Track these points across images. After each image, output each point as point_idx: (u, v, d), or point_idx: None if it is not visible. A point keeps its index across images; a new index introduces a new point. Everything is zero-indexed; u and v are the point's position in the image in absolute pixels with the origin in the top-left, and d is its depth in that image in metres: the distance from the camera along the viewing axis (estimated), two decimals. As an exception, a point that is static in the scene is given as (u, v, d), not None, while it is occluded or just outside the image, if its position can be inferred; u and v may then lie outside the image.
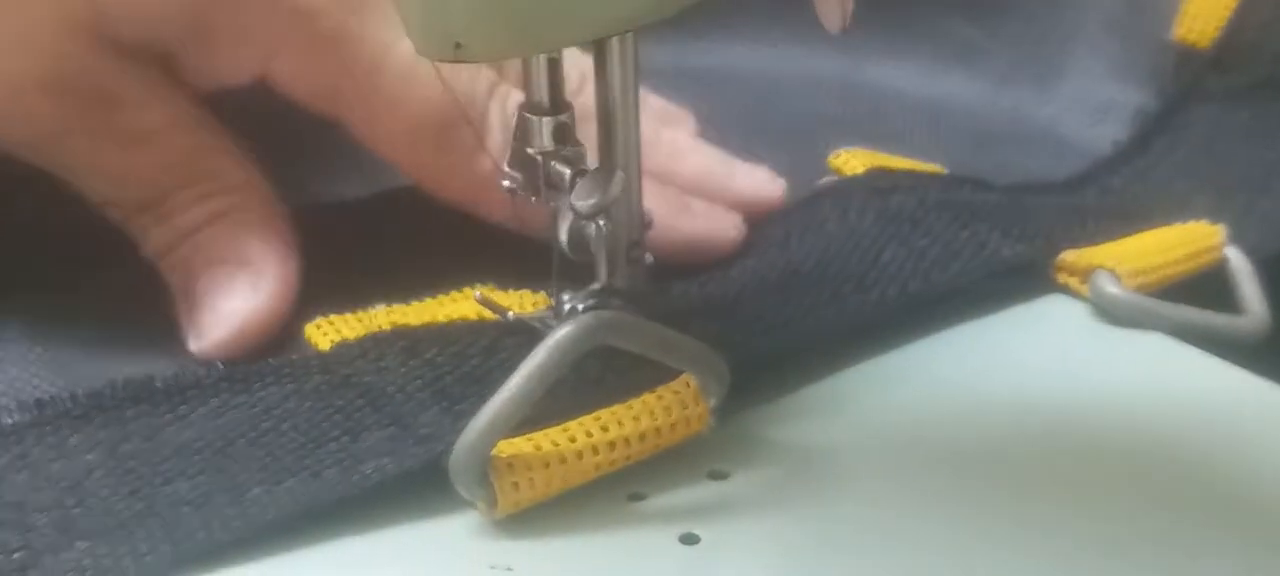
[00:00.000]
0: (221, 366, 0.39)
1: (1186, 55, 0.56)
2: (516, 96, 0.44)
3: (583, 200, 0.37)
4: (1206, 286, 0.46)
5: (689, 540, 0.35)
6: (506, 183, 0.38)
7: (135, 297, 0.44)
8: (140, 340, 0.43)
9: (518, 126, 0.38)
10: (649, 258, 0.39)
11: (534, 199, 0.38)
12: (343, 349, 0.40)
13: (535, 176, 0.38)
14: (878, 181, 0.47)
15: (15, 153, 0.42)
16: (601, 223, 0.37)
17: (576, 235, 0.38)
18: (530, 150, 0.38)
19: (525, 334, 0.39)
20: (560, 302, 0.39)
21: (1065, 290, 0.45)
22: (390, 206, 0.49)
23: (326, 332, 0.41)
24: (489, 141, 0.42)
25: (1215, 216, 0.48)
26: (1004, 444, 0.38)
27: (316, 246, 0.44)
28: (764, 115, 0.58)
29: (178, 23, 0.41)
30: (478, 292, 0.41)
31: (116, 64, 0.41)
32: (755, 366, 0.39)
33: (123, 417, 0.37)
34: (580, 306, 0.38)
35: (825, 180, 0.49)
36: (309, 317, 0.42)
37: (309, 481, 0.35)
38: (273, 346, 0.42)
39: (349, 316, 0.42)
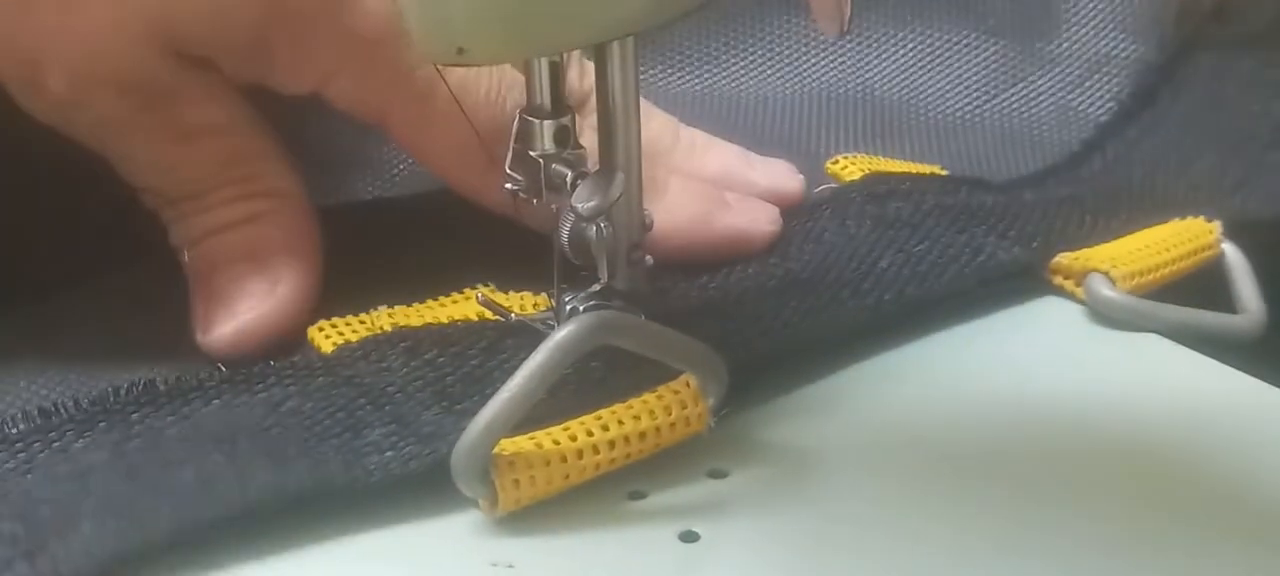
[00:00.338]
0: (223, 369, 0.39)
1: (1187, 6, 0.56)
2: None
3: (583, 202, 0.37)
4: (1205, 283, 0.46)
5: (688, 538, 0.35)
6: (508, 185, 0.39)
7: (140, 302, 0.44)
8: (145, 344, 0.43)
9: (519, 129, 0.38)
10: (649, 259, 0.39)
11: (536, 201, 0.38)
12: (345, 350, 0.40)
13: (536, 178, 0.38)
14: (875, 187, 0.48)
15: (79, 137, 0.43)
16: (602, 224, 0.38)
17: (577, 237, 0.38)
18: (532, 153, 0.38)
19: (526, 334, 0.39)
20: (561, 304, 0.39)
21: (1061, 292, 0.45)
22: (392, 208, 0.49)
23: (329, 335, 0.41)
24: None
25: (1223, 172, 0.48)
26: (1000, 444, 0.39)
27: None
28: (756, 130, 0.59)
29: (242, 43, 0.42)
30: (479, 294, 0.41)
31: (181, 67, 0.42)
32: (754, 367, 0.39)
33: (127, 420, 0.37)
34: (581, 307, 0.39)
35: (822, 188, 0.49)
36: (312, 320, 0.42)
37: (313, 469, 0.35)
38: (276, 348, 0.42)
39: (351, 319, 0.42)
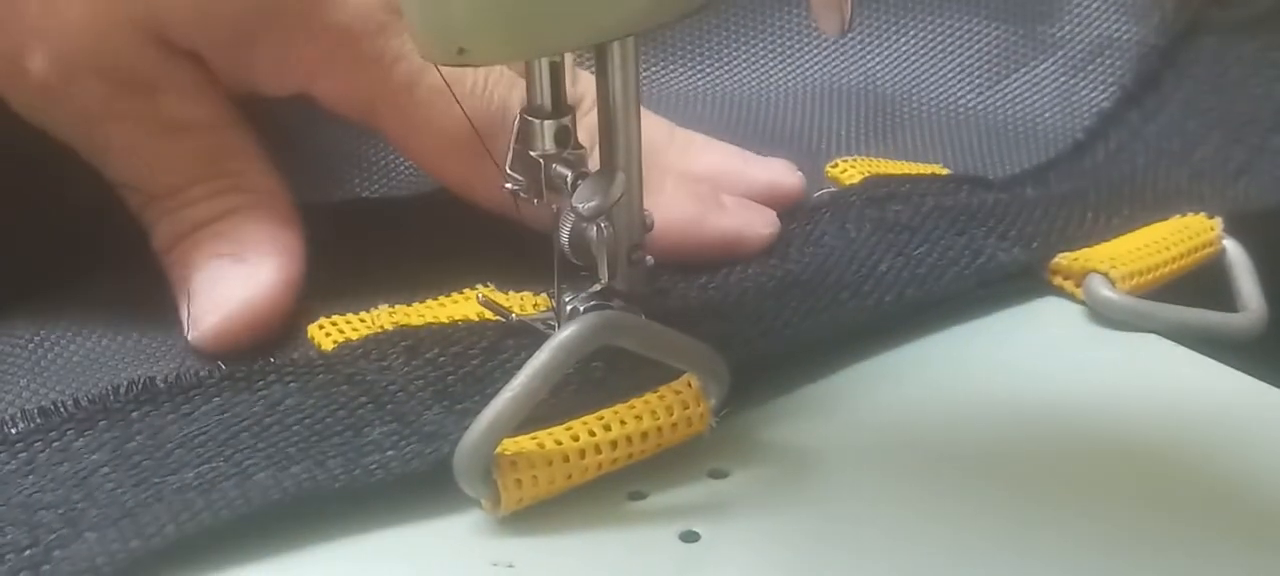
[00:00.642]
0: (223, 366, 0.39)
1: None
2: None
3: (584, 203, 0.37)
4: (1207, 281, 0.46)
5: (689, 537, 0.35)
6: (509, 185, 0.39)
7: (139, 303, 0.44)
8: (145, 344, 0.43)
9: (519, 129, 0.39)
10: (649, 260, 0.39)
11: (536, 201, 0.39)
12: (345, 348, 0.40)
13: (537, 179, 0.38)
14: (874, 190, 0.48)
15: (57, 131, 0.43)
16: (603, 225, 0.38)
17: (577, 237, 0.38)
18: (532, 153, 0.38)
19: (527, 335, 0.39)
20: (561, 304, 0.39)
21: (1061, 293, 0.45)
22: (392, 208, 0.49)
23: (329, 333, 0.41)
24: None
25: (1226, 158, 0.48)
26: (1000, 444, 0.39)
27: (319, 247, 0.44)
28: (759, 126, 0.59)
29: (226, 39, 0.42)
30: (480, 294, 0.42)
31: (165, 58, 0.42)
32: (754, 367, 0.39)
33: (127, 419, 0.37)
34: (581, 308, 0.39)
35: (822, 192, 0.49)
36: (312, 318, 0.42)
37: (313, 469, 0.35)
38: (275, 346, 0.42)
39: (351, 317, 0.42)
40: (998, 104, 0.59)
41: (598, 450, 0.36)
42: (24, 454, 0.36)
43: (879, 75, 0.61)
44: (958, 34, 0.61)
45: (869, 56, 0.62)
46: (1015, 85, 0.59)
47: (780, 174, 0.50)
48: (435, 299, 0.43)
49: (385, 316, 0.42)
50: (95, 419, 0.37)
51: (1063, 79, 0.59)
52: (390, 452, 0.36)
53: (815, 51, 0.62)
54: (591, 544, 0.35)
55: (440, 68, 0.40)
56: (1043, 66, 0.60)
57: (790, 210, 0.48)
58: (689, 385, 0.37)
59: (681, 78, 0.62)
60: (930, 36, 0.61)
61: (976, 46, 0.61)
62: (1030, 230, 0.46)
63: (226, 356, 0.41)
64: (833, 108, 0.60)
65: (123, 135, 0.43)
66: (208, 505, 0.34)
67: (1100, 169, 0.52)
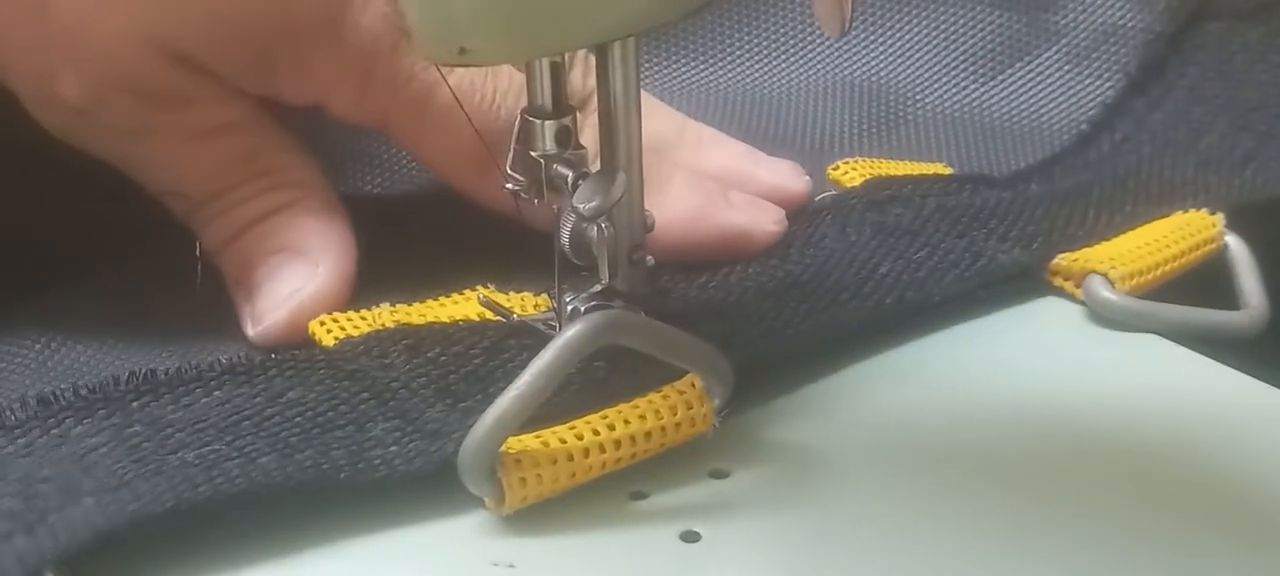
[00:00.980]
0: (224, 360, 0.39)
1: None
2: None
3: (585, 203, 0.37)
4: (1210, 279, 0.46)
5: (689, 537, 0.35)
6: (509, 185, 0.39)
7: (147, 305, 0.45)
8: (152, 348, 0.43)
9: (520, 129, 0.39)
10: (650, 260, 0.39)
11: (537, 201, 0.39)
12: (347, 345, 0.40)
13: (537, 179, 0.39)
14: (876, 193, 0.48)
15: (93, 149, 0.44)
16: (603, 225, 0.38)
17: (578, 237, 0.38)
18: (533, 153, 0.38)
19: (528, 335, 0.39)
20: (562, 304, 0.39)
21: (1062, 292, 0.45)
22: (394, 207, 0.49)
23: (331, 330, 0.41)
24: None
25: (1232, 146, 0.48)
26: (1001, 444, 0.39)
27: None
28: (760, 126, 0.59)
29: (243, 59, 0.43)
30: (481, 294, 0.42)
31: (190, 73, 0.43)
32: (755, 368, 0.39)
33: (127, 408, 0.37)
34: (582, 308, 0.39)
35: (824, 195, 0.49)
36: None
37: (317, 458, 0.35)
38: (273, 347, 0.42)
39: (353, 315, 0.42)
40: (1001, 95, 0.59)
41: (602, 449, 0.36)
42: (22, 439, 0.36)
43: (882, 67, 0.61)
44: (961, 24, 0.61)
45: (872, 48, 0.62)
46: (1018, 75, 0.59)
47: (787, 176, 0.50)
48: (436, 299, 0.43)
49: (386, 315, 0.42)
50: (94, 407, 0.37)
51: (1066, 67, 0.59)
52: (393, 448, 0.36)
53: (818, 44, 0.62)
54: (592, 543, 0.35)
55: (449, 81, 0.42)
56: (1046, 55, 0.60)
57: (793, 212, 0.48)
58: (692, 385, 0.37)
59: (685, 73, 0.62)
60: (933, 26, 0.61)
61: (979, 36, 0.61)
62: (1031, 230, 0.46)
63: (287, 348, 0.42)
64: (836, 101, 0.60)
65: (160, 148, 0.44)
66: (209, 481, 0.34)
67: (1105, 161, 0.52)
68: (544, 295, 0.42)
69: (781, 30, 0.62)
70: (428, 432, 0.37)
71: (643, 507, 0.36)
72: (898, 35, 0.62)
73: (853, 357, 0.42)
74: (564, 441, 0.36)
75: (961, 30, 0.61)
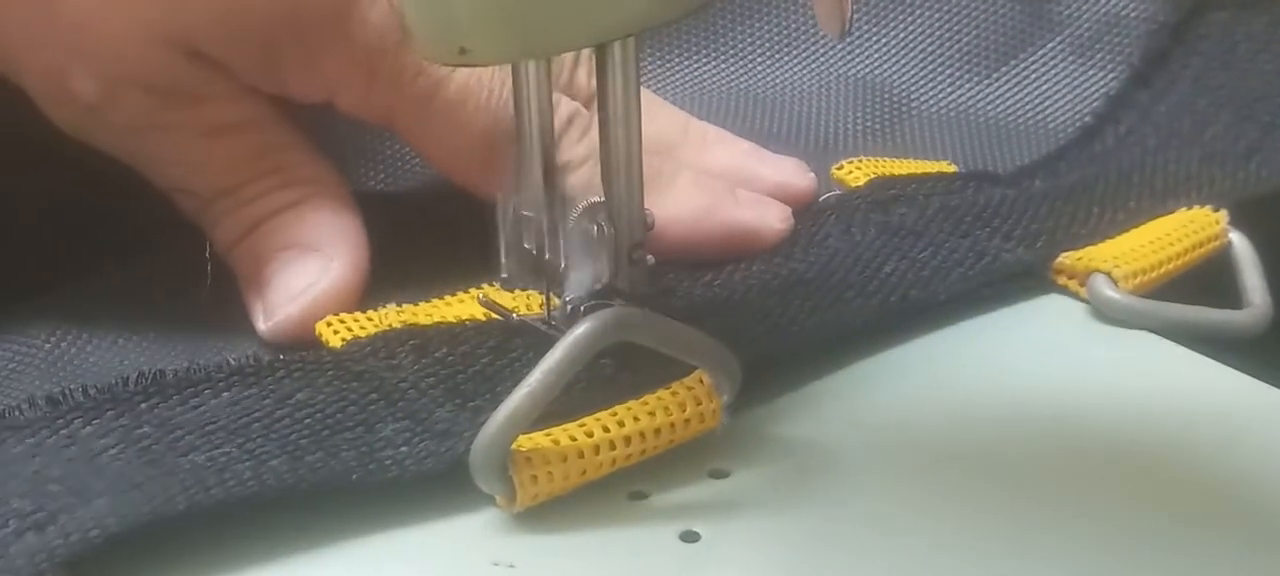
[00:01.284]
0: (232, 361, 0.39)
1: None
2: (567, 106, 0.45)
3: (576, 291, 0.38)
4: (1214, 278, 0.46)
5: (689, 537, 0.35)
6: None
7: (156, 303, 0.45)
8: (162, 346, 0.44)
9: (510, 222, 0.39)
10: (650, 259, 0.39)
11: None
12: (355, 346, 0.40)
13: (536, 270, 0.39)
14: (880, 193, 0.48)
15: (103, 145, 0.44)
16: (603, 223, 0.38)
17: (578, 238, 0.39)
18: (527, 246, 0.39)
19: (533, 334, 0.39)
20: (564, 303, 0.39)
21: (1064, 291, 0.45)
22: (399, 207, 0.50)
23: (337, 331, 0.41)
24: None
25: (1237, 137, 0.48)
26: (1002, 443, 0.38)
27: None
28: (764, 123, 0.59)
29: (253, 54, 0.43)
30: (481, 295, 0.42)
31: (201, 69, 0.43)
32: (758, 366, 0.39)
33: (135, 409, 0.37)
34: (582, 307, 0.39)
35: (829, 194, 0.49)
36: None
37: (328, 459, 0.35)
38: (284, 343, 0.42)
39: (360, 315, 0.42)
40: (1004, 87, 0.59)
41: (612, 446, 0.36)
42: (31, 439, 0.36)
43: (885, 61, 0.61)
44: (963, 16, 0.61)
45: (874, 42, 0.62)
46: (1021, 66, 0.59)
47: (792, 174, 0.50)
48: (442, 298, 0.43)
49: (393, 316, 0.42)
50: (103, 408, 0.37)
51: (1070, 58, 0.59)
52: (403, 449, 0.36)
53: (819, 41, 0.62)
54: (592, 543, 0.35)
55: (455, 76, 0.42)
56: (1049, 45, 0.60)
57: (798, 211, 0.48)
58: (701, 381, 0.37)
59: (688, 71, 0.62)
60: (936, 19, 0.61)
61: (982, 28, 0.61)
62: (1035, 228, 0.46)
63: (294, 347, 0.42)
64: (839, 98, 0.59)
65: (170, 144, 0.44)
66: (220, 482, 0.34)
67: (1110, 154, 0.51)
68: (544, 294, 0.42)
69: (782, 28, 0.62)
70: (437, 432, 0.37)
71: (643, 507, 0.36)
72: (900, 29, 0.61)
73: (852, 357, 0.42)
74: (574, 439, 0.36)
75: (964, 22, 0.61)
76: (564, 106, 0.44)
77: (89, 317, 0.44)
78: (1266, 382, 0.41)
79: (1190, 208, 0.47)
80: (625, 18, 0.35)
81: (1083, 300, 0.44)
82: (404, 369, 0.39)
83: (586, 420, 0.36)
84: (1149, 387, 0.41)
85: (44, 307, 0.45)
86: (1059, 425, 0.39)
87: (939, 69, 0.60)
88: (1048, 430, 0.39)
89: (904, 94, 0.59)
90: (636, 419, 0.37)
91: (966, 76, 0.60)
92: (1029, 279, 0.45)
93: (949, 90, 0.60)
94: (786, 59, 0.61)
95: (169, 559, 0.34)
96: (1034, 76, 0.59)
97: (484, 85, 0.44)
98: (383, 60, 0.43)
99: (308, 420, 0.37)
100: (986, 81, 0.59)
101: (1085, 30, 0.60)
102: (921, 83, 0.60)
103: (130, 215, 0.46)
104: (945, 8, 0.61)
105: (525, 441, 0.35)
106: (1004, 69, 0.60)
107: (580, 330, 0.35)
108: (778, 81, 0.61)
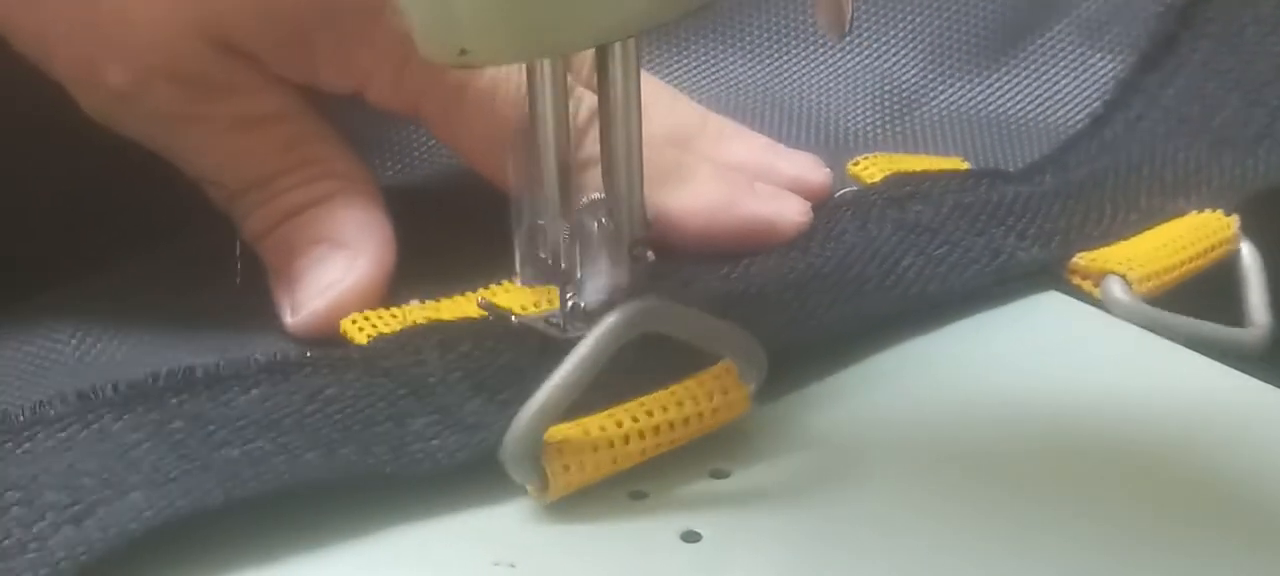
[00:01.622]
0: (260, 358, 0.39)
1: None
2: (590, 99, 0.45)
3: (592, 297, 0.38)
4: (1213, 274, 0.46)
5: (690, 537, 0.35)
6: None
7: (178, 288, 0.45)
8: (184, 333, 0.44)
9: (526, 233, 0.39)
10: (650, 255, 0.40)
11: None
12: (381, 342, 0.40)
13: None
14: (896, 190, 0.48)
15: (134, 134, 0.45)
16: (603, 220, 0.38)
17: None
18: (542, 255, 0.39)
19: (539, 335, 0.40)
20: (564, 301, 0.39)
21: (1065, 289, 0.45)
22: (419, 202, 0.50)
23: (362, 328, 0.42)
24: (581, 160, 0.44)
25: (1246, 121, 0.47)
26: (1002, 444, 0.38)
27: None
28: (772, 126, 0.59)
29: (285, 44, 0.44)
30: (481, 299, 0.42)
31: (230, 59, 0.43)
32: (779, 357, 0.39)
33: (165, 404, 0.37)
34: (583, 304, 0.39)
35: (845, 190, 0.49)
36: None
37: (362, 454, 0.36)
38: (312, 342, 0.43)
39: (382, 312, 0.42)
40: (1012, 77, 0.59)
41: (641, 436, 0.36)
42: (62, 433, 0.36)
43: (891, 53, 0.61)
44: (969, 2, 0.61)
45: (879, 34, 0.62)
46: (1029, 52, 0.59)
47: (808, 168, 0.50)
48: (462, 294, 0.43)
49: (416, 312, 0.42)
50: (133, 403, 0.37)
51: (1077, 42, 0.59)
52: (434, 442, 0.36)
53: (823, 36, 0.62)
54: (593, 543, 0.35)
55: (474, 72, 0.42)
56: (1056, 29, 0.60)
57: (814, 206, 0.48)
58: (727, 371, 0.38)
59: (692, 69, 0.62)
60: (941, 8, 0.61)
61: (988, 14, 0.61)
62: (1048, 227, 0.46)
63: (319, 341, 0.42)
64: (846, 93, 0.59)
65: (201, 135, 0.44)
66: (256, 476, 0.34)
67: (1120, 142, 0.51)
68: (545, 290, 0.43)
69: (783, 26, 0.62)
70: (467, 426, 0.37)
71: (643, 507, 0.36)
72: (906, 18, 0.61)
73: (855, 355, 0.41)
74: (604, 429, 0.36)
75: (971, 8, 0.61)
76: (588, 102, 0.44)
77: (115, 310, 0.44)
78: (1266, 383, 0.40)
79: (1201, 210, 0.47)
80: (626, 18, 0.35)
81: (1083, 299, 0.44)
82: (430, 364, 0.39)
83: (615, 410, 0.37)
84: (1149, 387, 0.41)
85: (69, 299, 0.45)
86: (1059, 425, 0.39)
87: (946, 56, 0.60)
88: (1048, 430, 0.39)
89: (913, 84, 0.59)
90: (665, 409, 0.37)
91: (973, 64, 0.60)
92: (1044, 277, 0.45)
93: (957, 78, 0.60)
94: (788, 59, 0.61)
95: (170, 558, 0.34)
96: (1042, 61, 0.59)
97: (514, 77, 0.44)
98: (412, 53, 0.43)
99: (338, 415, 0.37)
100: (995, 68, 0.59)
101: (1092, 13, 0.59)
102: (929, 71, 0.60)
103: (155, 203, 0.47)
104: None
105: (556, 432, 0.35)
106: (1011, 55, 0.59)
107: (610, 321, 0.35)
108: (781, 81, 0.61)
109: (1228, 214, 0.46)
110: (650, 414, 0.37)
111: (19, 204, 0.48)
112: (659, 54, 0.58)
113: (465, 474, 0.36)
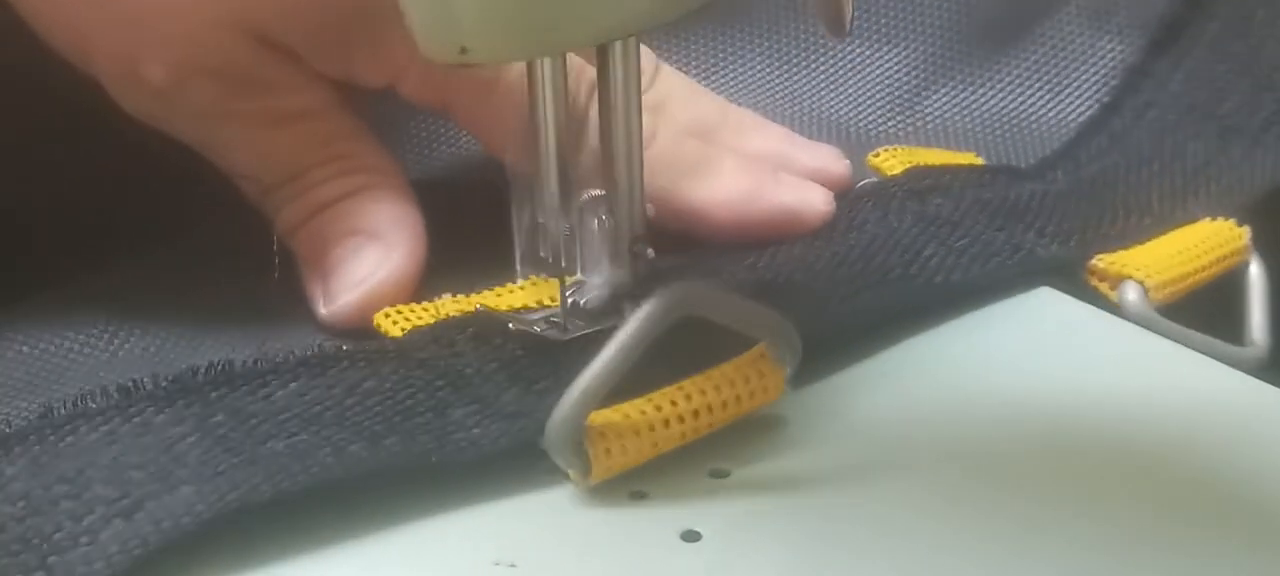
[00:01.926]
0: (296, 353, 0.40)
1: None
2: (590, 73, 0.45)
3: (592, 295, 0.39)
4: (1215, 289, 0.46)
5: (690, 537, 0.35)
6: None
7: (209, 279, 0.46)
8: (217, 325, 0.44)
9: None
10: (650, 252, 0.40)
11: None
12: (415, 335, 0.41)
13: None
14: (917, 182, 0.47)
15: (171, 130, 0.45)
16: (603, 217, 0.38)
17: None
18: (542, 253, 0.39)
19: (581, 316, 0.40)
20: (565, 299, 0.39)
21: (1064, 289, 0.45)
22: (448, 197, 0.50)
23: (396, 321, 0.42)
24: (586, 140, 0.44)
25: (1255, 108, 0.47)
26: (1002, 443, 0.38)
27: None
28: (789, 117, 0.58)
29: (321, 39, 0.44)
30: (479, 306, 0.42)
31: (267, 55, 0.44)
32: (815, 345, 0.39)
33: (206, 398, 0.38)
34: (583, 301, 0.39)
35: (866, 182, 0.49)
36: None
37: (405, 443, 0.36)
38: (344, 334, 0.43)
39: (416, 306, 0.43)
40: (1021, 63, 0.59)
41: (681, 420, 0.37)
42: (105, 427, 0.36)
43: (900, 39, 0.61)
44: None
45: (886, 23, 0.62)
46: (1036, 37, 0.59)
47: (828, 160, 0.50)
48: (491, 290, 0.43)
49: (449, 305, 0.42)
50: (174, 397, 0.37)
51: (1084, 27, 0.59)
52: (476, 431, 0.37)
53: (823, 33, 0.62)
54: (593, 542, 0.35)
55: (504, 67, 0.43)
56: (1063, 12, 0.59)
57: (835, 196, 0.48)
58: (763, 355, 0.38)
59: (697, 69, 0.62)
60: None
61: (993, 5, 0.61)
62: (1067, 226, 0.46)
63: (355, 334, 0.43)
64: (855, 83, 0.60)
65: (237, 131, 0.45)
66: (304, 469, 0.35)
67: (1129, 133, 0.51)
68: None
69: (788, 22, 0.62)
70: (507, 414, 0.37)
71: (643, 507, 0.36)
72: (911, 8, 0.62)
73: (855, 355, 0.41)
74: (644, 413, 0.36)
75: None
76: (588, 74, 0.44)
77: (146, 302, 0.45)
78: (1265, 383, 0.40)
79: (1213, 217, 0.47)
80: (625, 18, 0.35)
81: (1083, 299, 0.44)
82: (466, 356, 0.39)
83: (654, 395, 0.37)
84: (1149, 387, 0.41)
85: (101, 291, 0.46)
86: (1059, 424, 0.39)
87: (954, 44, 0.60)
88: (1048, 429, 0.39)
89: (922, 73, 0.59)
90: (703, 393, 0.37)
91: (982, 50, 0.59)
92: (1064, 274, 0.45)
93: (965, 66, 0.59)
94: (799, 47, 0.61)
95: (170, 558, 0.34)
96: (1050, 46, 0.59)
97: None
98: None
99: (378, 407, 0.37)
100: (1003, 54, 0.59)
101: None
102: (938, 60, 0.60)
103: (183, 195, 0.47)
104: None
105: (597, 417, 0.36)
106: (1020, 39, 0.59)
107: (649, 307, 0.35)
108: (794, 70, 0.61)
109: (1239, 223, 0.47)
110: (688, 398, 0.37)
111: (42, 200, 0.49)
112: (667, 53, 0.58)
113: (465, 474, 0.36)
